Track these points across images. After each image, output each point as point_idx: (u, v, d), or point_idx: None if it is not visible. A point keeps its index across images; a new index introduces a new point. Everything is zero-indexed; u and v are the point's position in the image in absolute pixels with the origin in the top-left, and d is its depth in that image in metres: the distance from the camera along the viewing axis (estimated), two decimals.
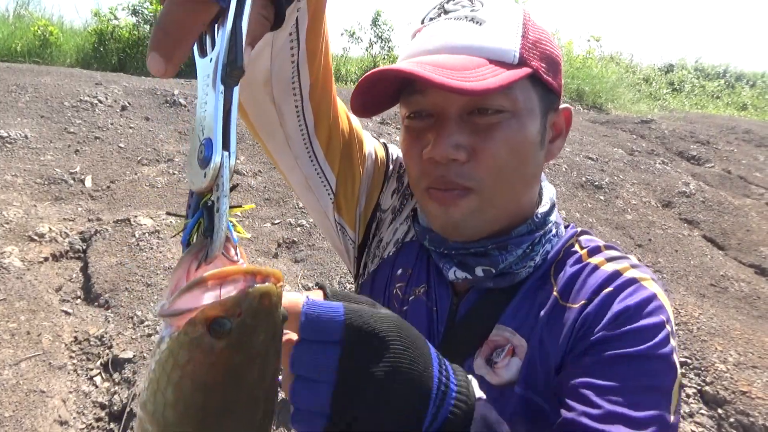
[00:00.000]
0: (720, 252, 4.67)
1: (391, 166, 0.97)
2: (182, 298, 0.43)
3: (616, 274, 0.75)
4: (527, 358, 0.76)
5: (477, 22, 0.73)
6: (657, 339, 0.68)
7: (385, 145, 0.99)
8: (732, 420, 2.65)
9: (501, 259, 0.78)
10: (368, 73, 0.72)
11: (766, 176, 6.70)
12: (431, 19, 0.78)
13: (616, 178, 5.88)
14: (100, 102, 5.72)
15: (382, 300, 0.93)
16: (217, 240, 0.45)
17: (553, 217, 0.84)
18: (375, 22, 12.23)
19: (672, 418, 0.65)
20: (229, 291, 0.44)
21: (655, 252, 4.47)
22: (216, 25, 0.46)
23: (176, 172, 4.58)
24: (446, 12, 0.77)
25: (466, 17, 0.74)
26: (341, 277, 3.36)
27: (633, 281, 0.73)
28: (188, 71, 10.67)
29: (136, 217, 3.72)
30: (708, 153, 7.36)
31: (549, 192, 0.87)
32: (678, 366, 0.69)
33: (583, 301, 0.75)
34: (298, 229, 3.98)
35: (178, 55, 0.45)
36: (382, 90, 0.77)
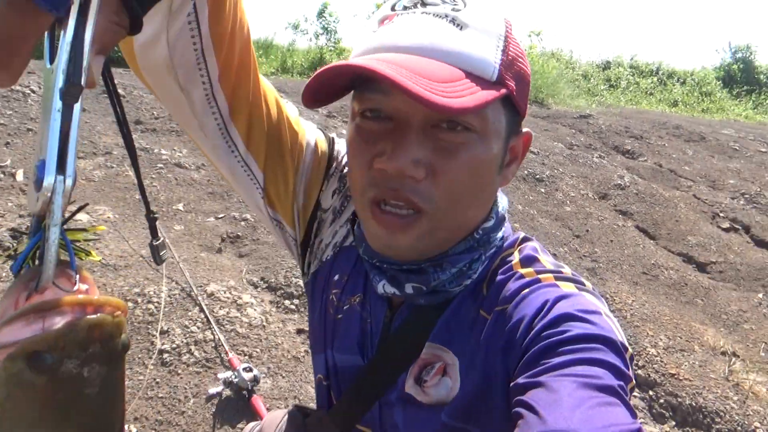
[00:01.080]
0: (651, 242, 4.91)
1: (333, 163, 0.90)
2: (2, 332, 0.41)
3: (535, 281, 0.71)
4: (465, 378, 0.73)
5: (458, 25, 0.65)
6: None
7: (330, 139, 0.91)
8: (662, 401, 2.80)
9: (434, 278, 0.73)
10: (335, 65, 0.63)
11: (693, 170, 7.07)
12: (405, 8, 0.69)
13: (556, 171, 6.08)
14: (33, 92, 5.42)
15: (319, 305, 0.91)
16: (46, 271, 0.42)
17: (499, 234, 0.79)
18: (321, 14, 12.13)
19: None
20: (54, 324, 0.41)
21: (592, 242, 4.65)
22: (62, 32, 0.43)
23: (115, 166, 4.42)
24: (424, 4, 0.68)
25: (446, 16, 0.66)
26: (287, 271, 3.34)
27: (551, 287, 0.70)
28: None
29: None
30: (641, 147, 7.70)
31: (500, 205, 0.81)
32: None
33: (502, 307, 0.71)
34: (243, 223, 3.92)
35: (15, 64, 0.42)
36: (336, 81, 0.69)
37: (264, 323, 2.85)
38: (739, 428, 2.65)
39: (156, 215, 0.56)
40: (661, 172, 6.83)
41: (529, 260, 0.77)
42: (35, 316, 0.41)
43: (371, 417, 0.82)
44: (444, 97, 0.58)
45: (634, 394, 2.85)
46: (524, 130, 0.77)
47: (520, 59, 0.70)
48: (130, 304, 2.78)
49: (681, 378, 2.90)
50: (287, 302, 3.12)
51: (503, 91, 0.65)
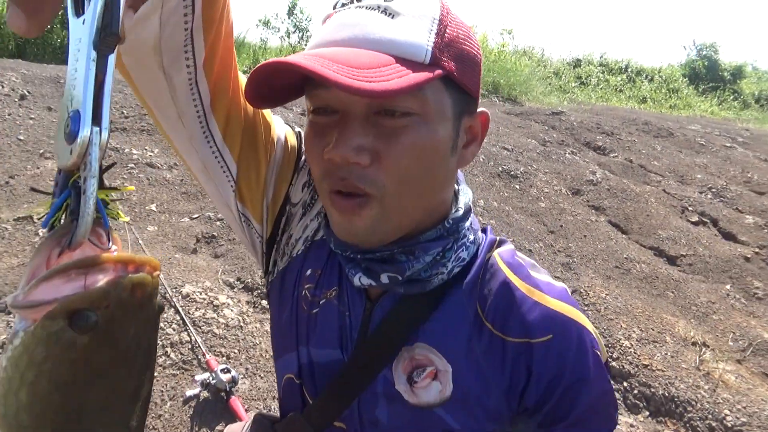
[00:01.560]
0: (623, 236, 5.01)
1: (303, 157, 0.90)
2: (39, 288, 0.39)
3: (555, 314, 0.75)
4: (458, 385, 0.75)
5: (389, 14, 0.66)
6: (609, 406, 0.77)
7: (298, 134, 0.92)
8: (636, 392, 2.86)
9: (407, 266, 0.74)
10: (263, 63, 0.64)
11: (662, 165, 7.23)
12: (343, 5, 0.71)
13: (530, 167, 6.15)
14: None
15: (290, 302, 0.89)
16: (83, 224, 0.40)
17: (467, 224, 0.80)
18: (291, 11, 12.06)
19: None
20: (96, 281, 0.39)
21: (566, 237, 4.72)
22: None
23: None
24: None
25: (378, 7, 0.67)
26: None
27: (574, 325, 0.75)
28: None
29: (39, 214, 3.48)
30: (612, 143, 7.84)
31: (465, 197, 0.82)
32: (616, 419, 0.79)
33: (524, 339, 0.74)
34: (218, 223, 3.87)
35: (44, 11, 0.40)
36: (286, 81, 0.70)
37: (241, 324, 2.82)
38: (710, 416, 2.72)
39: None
40: (631, 167, 6.97)
41: (521, 271, 0.80)
42: (76, 273, 0.39)
43: (349, 413, 0.81)
44: (367, 83, 0.59)
45: None
46: (480, 110, 0.77)
47: (462, 40, 0.70)
48: None
49: (654, 369, 2.97)
50: (264, 302, 3.09)
51: (438, 72, 0.65)
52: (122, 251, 0.44)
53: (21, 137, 4.62)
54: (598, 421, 0.75)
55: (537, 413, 0.75)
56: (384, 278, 0.74)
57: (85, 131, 0.39)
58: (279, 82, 0.70)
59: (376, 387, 0.79)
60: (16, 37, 8.45)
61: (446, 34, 0.68)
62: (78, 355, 0.39)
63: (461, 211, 0.79)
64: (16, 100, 5.31)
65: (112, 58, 0.41)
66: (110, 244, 0.43)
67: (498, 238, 0.85)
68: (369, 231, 0.71)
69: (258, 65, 0.65)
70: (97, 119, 0.40)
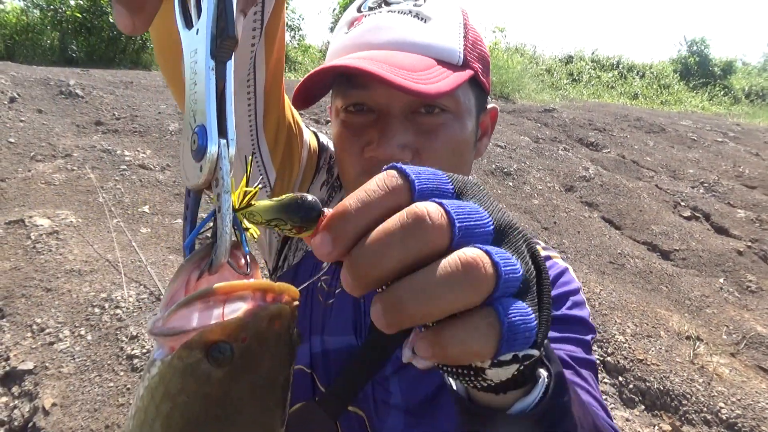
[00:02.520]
0: (617, 231, 5.03)
1: (323, 156, 0.94)
2: (178, 315, 0.37)
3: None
4: None
5: (422, 19, 0.72)
6: (576, 299, 0.82)
7: (316, 134, 0.96)
8: (631, 386, 2.87)
9: None
10: (324, 67, 0.68)
11: (655, 160, 7.26)
12: (371, 9, 0.75)
13: (523, 164, 6.16)
14: None
15: (302, 295, 0.92)
16: (222, 245, 0.39)
17: None
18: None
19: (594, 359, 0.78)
20: (235, 309, 0.37)
21: (560, 234, 4.74)
22: None
23: (75, 168, 4.29)
24: (387, 3, 0.74)
25: (410, 12, 0.72)
26: (262, 269, 3.30)
27: (548, 258, 0.83)
28: (86, 60, 10.02)
29: (31, 217, 3.45)
30: (605, 139, 7.86)
31: None
32: (593, 327, 0.83)
33: None
34: (212, 224, 3.86)
35: (146, 7, 0.39)
36: (322, 82, 0.74)
37: None
38: (705, 409, 2.74)
39: None
40: (624, 163, 6.99)
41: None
42: (215, 300, 0.37)
43: (363, 397, 0.83)
44: (423, 85, 0.64)
45: (604, 380, 2.92)
46: (490, 106, 0.83)
47: (479, 42, 0.77)
48: (96, 310, 2.72)
49: (648, 363, 2.98)
50: None
51: (470, 72, 0.72)
52: (258, 272, 0.43)
53: (11, 140, 4.59)
54: (579, 329, 0.81)
55: None
56: None
57: (213, 146, 0.38)
58: (319, 84, 0.74)
59: (387, 369, 0.82)
60: (5, 38, 8.40)
61: (470, 37, 0.74)
62: (212, 390, 0.38)
63: None
64: (6, 102, 5.27)
65: (230, 65, 0.40)
66: (248, 269, 0.42)
67: None
68: None
69: (315, 70, 0.68)
70: (222, 131, 0.39)
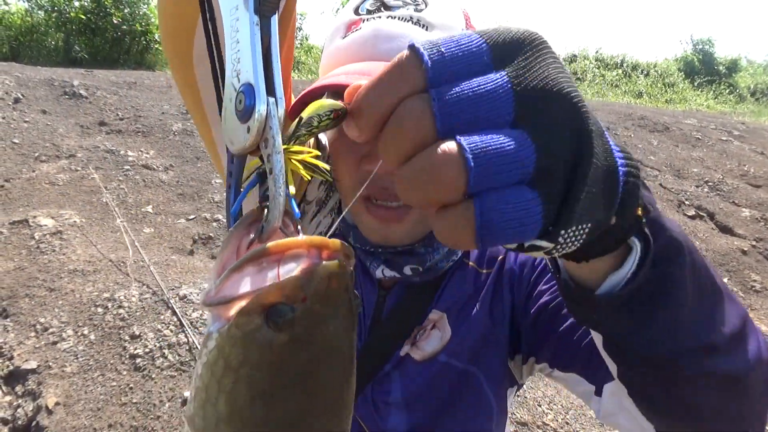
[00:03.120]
0: None
1: (322, 154, 0.95)
2: (230, 281, 0.35)
3: None
4: (453, 330, 0.80)
5: (424, 26, 0.69)
6: None
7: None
8: None
9: (428, 258, 0.79)
10: (323, 84, 0.65)
11: (659, 159, 7.23)
12: (369, 12, 0.72)
13: None
14: None
15: None
16: (275, 208, 0.36)
17: None
18: None
19: None
20: (290, 270, 0.34)
21: None
22: None
23: (79, 169, 4.31)
24: (387, 7, 0.71)
25: (411, 18, 0.69)
26: None
27: None
28: (90, 60, 10.05)
29: (35, 217, 3.47)
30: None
31: None
32: None
33: (500, 258, 0.83)
34: (214, 224, 3.87)
35: None
36: (318, 95, 0.70)
37: None
38: None
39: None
40: None
41: None
42: (269, 261, 0.35)
43: (363, 399, 0.83)
44: None
45: None
46: None
47: None
48: (99, 309, 2.73)
49: None
50: None
51: None
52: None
53: (16, 140, 4.61)
54: None
55: (525, 303, 0.80)
56: (407, 270, 0.79)
57: (262, 104, 0.35)
58: (318, 97, 0.71)
59: (386, 366, 0.82)
60: (9, 39, 8.43)
61: None
62: (276, 358, 0.35)
63: None
64: (10, 103, 5.29)
65: (275, 20, 0.38)
66: (300, 235, 0.38)
67: None
68: (406, 236, 0.75)
69: (315, 87, 0.66)
70: (270, 89, 0.36)
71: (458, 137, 0.30)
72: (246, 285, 0.34)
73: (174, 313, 2.73)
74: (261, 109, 0.35)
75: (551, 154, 0.30)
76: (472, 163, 0.29)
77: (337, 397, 0.38)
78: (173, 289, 2.92)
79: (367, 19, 0.71)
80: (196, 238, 3.68)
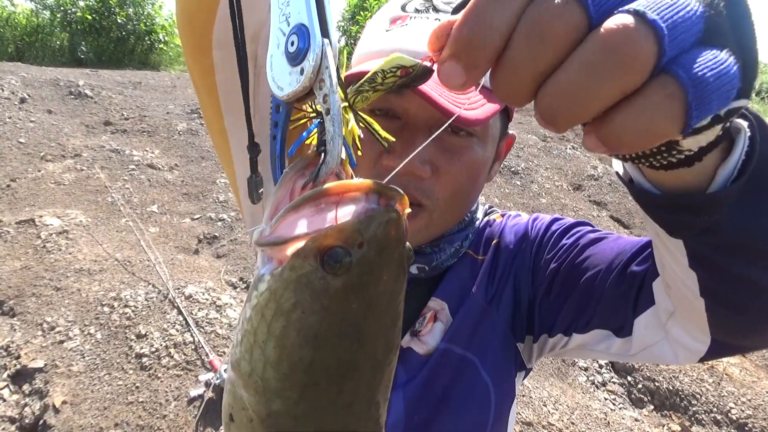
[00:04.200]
0: (626, 231, 5.00)
1: None
2: (286, 221, 0.33)
3: (507, 216, 0.88)
4: (453, 315, 0.80)
5: None
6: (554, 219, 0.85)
7: None
8: (640, 386, 2.86)
9: (435, 258, 0.80)
10: (362, 71, 0.64)
11: None
12: (417, 11, 0.71)
13: (531, 163, 6.14)
14: None
15: None
16: (335, 149, 0.34)
17: (479, 213, 0.89)
18: None
19: None
20: (348, 213, 0.33)
21: None
22: None
23: (85, 168, 4.32)
24: (436, 9, 0.70)
25: None
26: None
27: (510, 215, 0.89)
28: (95, 60, 10.08)
29: (41, 217, 3.48)
30: None
31: None
32: None
33: (495, 242, 0.85)
34: (219, 223, 3.87)
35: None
36: (356, 79, 0.72)
37: None
38: (714, 409, 2.72)
39: (259, 148, 0.47)
40: None
41: (504, 215, 0.92)
42: (327, 202, 0.33)
43: None
44: (463, 109, 0.63)
45: (613, 380, 2.90)
46: (509, 132, 0.83)
47: None
48: (105, 308, 2.73)
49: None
50: None
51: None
52: None
53: (21, 140, 4.63)
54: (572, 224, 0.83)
55: (533, 278, 0.81)
56: (413, 269, 0.80)
57: (317, 43, 0.33)
58: (355, 80, 0.70)
59: None
60: (15, 39, 8.46)
61: None
62: (330, 303, 0.33)
63: (475, 204, 0.87)
64: (16, 103, 5.31)
65: None
66: (354, 179, 0.37)
67: (488, 204, 0.96)
68: (414, 237, 0.75)
69: (357, 72, 0.65)
70: (324, 31, 0.35)
71: (628, 8, 0.25)
72: (303, 226, 0.33)
73: (180, 312, 2.73)
74: (316, 48, 0.34)
75: (713, 4, 0.27)
76: (664, 29, 0.25)
77: (383, 351, 0.37)
78: (179, 289, 2.92)
79: (414, 17, 0.71)
80: (202, 237, 3.69)
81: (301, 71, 0.34)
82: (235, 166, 0.76)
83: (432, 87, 0.62)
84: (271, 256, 0.34)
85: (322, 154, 0.35)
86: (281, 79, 0.36)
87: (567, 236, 0.79)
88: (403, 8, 0.72)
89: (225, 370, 2.24)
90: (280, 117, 0.38)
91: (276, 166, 0.38)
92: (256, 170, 0.78)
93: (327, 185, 0.33)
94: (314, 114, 0.38)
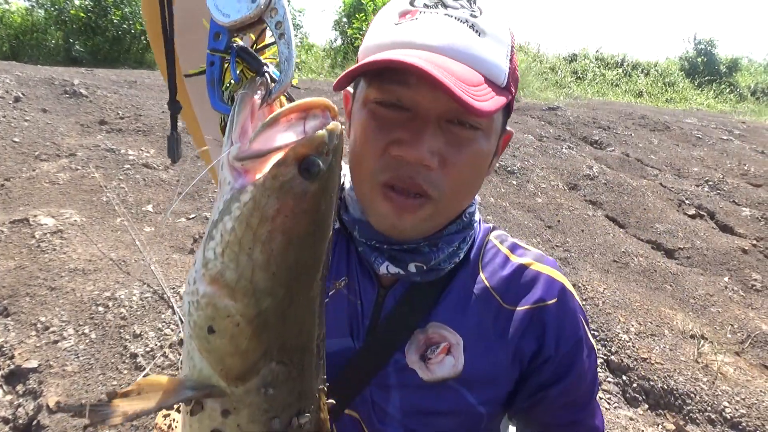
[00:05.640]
0: (621, 230, 5.01)
1: None
2: (263, 136, 0.37)
3: (550, 280, 0.87)
4: (469, 358, 0.81)
5: (477, 31, 0.70)
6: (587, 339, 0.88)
7: None
8: (635, 385, 2.86)
9: (433, 257, 0.80)
10: (387, 59, 0.65)
11: (659, 158, 7.23)
12: (426, 6, 0.72)
13: (527, 163, 6.14)
14: None
15: None
16: (290, 68, 0.39)
17: (477, 216, 0.89)
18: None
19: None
20: (313, 127, 0.38)
21: (564, 233, 4.72)
22: None
23: (80, 168, 4.30)
24: (444, 5, 0.72)
25: (467, 21, 0.70)
26: None
27: (563, 289, 0.88)
28: (90, 59, 10.05)
29: (35, 216, 3.47)
30: (609, 138, 7.83)
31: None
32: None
33: (526, 306, 0.85)
34: None
35: None
36: (372, 69, 0.71)
37: None
38: (709, 408, 2.72)
39: (180, 105, 0.53)
40: (628, 161, 6.96)
41: (515, 247, 0.92)
42: (296, 118, 0.38)
43: (361, 399, 0.83)
44: (475, 100, 0.64)
45: (608, 380, 2.91)
46: (507, 128, 0.84)
47: (516, 67, 0.77)
48: (100, 308, 2.73)
49: (652, 362, 2.97)
50: None
51: (510, 97, 0.73)
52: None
53: (16, 139, 4.61)
54: (590, 381, 0.88)
55: (540, 373, 0.84)
56: (411, 267, 0.80)
57: None
58: (371, 71, 0.72)
59: (388, 371, 0.82)
60: (9, 39, 8.42)
61: (513, 61, 0.75)
62: (308, 206, 0.38)
63: (474, 206, 0.88)
64: (11, 102, 5.29)
65: None
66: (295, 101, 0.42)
67: (491, 225, 0.95)
68: (415, 228, 0.75)
69: (382, 60, 0.65)
70: None
71: None
72: (279, 139, 0.37)
73: (175, 312, 2.72)
74: None
75: None
76: None
77: (329, 242, 0.42)
78: (174, 288, 2.92)
79: (424, 12, 0.72)
80: (197, 237, 3.68)
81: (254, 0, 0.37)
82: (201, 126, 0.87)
83: (450, 78, 0.63)
84: (248, 170, 0.38)
85: (269, 76, 0.39)
86: (227, 6, 0.38)
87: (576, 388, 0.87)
88: (411, 3, 0.74)
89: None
90: (219, 44, 0.41)
91: (216, 91, 0.42)
92: (176, 127, 0.86)
93: (298, 102, 0.37)
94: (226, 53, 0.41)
